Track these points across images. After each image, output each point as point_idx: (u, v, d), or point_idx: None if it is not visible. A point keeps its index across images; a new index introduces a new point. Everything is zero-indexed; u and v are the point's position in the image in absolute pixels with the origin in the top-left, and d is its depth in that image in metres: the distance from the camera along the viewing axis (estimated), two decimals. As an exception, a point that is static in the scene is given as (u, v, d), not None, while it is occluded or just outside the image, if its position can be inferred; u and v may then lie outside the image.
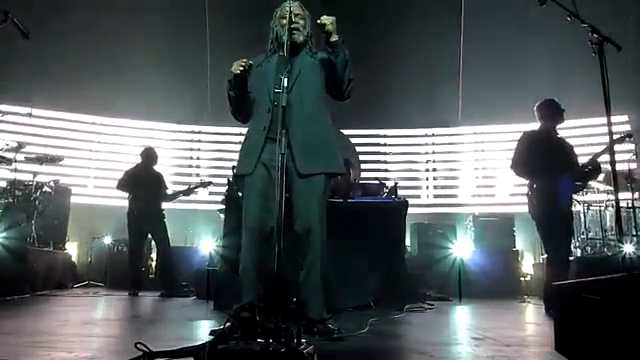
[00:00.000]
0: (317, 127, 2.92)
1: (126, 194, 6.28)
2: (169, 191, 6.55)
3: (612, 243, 5.94)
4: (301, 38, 2.96)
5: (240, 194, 4.60)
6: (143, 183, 6.18)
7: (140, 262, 6.40)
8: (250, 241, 2.84)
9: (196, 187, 6.62)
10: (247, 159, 2.90)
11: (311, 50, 3.01)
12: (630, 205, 5.92)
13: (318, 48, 3.01)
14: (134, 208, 6.10)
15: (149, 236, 6.43)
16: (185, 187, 6.73)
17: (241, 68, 2.78)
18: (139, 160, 6.48)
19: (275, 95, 2.77)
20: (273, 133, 2.68)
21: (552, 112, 4.50)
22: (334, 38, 2.78)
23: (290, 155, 2.74)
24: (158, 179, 6.43)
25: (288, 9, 2.78)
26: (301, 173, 2.80)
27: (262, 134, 2.82)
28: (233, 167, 4.97)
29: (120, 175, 6.43)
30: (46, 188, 6.48)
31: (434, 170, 8.94)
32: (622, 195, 5.74)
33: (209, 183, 6.70)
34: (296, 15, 2.92)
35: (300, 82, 2.87)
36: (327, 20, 2.74)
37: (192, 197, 7.06)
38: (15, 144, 6.00)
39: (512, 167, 4.54)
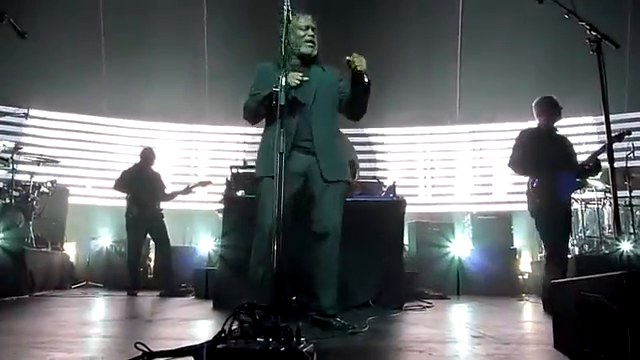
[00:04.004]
0: (335, 137, 3.13)
1: (124, 194, 6.27)
2: (167, 191, 6.55)
3: (610, 241, 5.95)
4: (315, 52, 3.11)
5: (241, 192, 4.64)
6: (141, 183, 6.17)
7: (139, 262, 6.39)
8: (263, 240, 2.88)
9: (195, 186, 6.61)
10: (271, 162, 2.86)
11: (320, 63, 3.15)
12: (628, 203, 5.93)
13: (327, 64, 3.17)
14: (132, 208, 6.09)
15: (147, 236, 6.42)
16: (184, 187, 6.72)
17: (297, 81, 2.84)
18: (137, 160, 6.47)
19: (300, 106, 2.93)
20: (298, 140, 2.93)
21: (549, 109, 4.50)
22: (366, 80, 2.91)
23: (315, 160, 2.99)
24: (156, 179, 6.43)
25: (303, 20, 2.99)
26: (327, 179, 2.98)
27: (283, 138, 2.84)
28: (231, 167, 4.98)
29: (117, 175, 6.41)
30: (44, 189, 6.46)
31: (432, 169, 8.94)
32: (620, 193, 5.74)
33: (208, 182, 6.70)
34: (313, 29, 3.09)
35: (319, 94, 3.03)
36: (360, 63, 2.82)
37: (190, 197, 7.05)
38: (12, 145, 5.98)
39: (510, 165, 4.53)
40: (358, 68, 2.82)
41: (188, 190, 6.59)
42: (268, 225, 2.80)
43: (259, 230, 2.94)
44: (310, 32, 3.07)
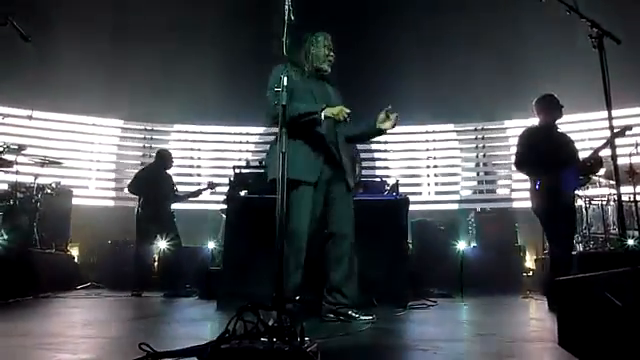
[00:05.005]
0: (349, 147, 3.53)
1: (135, 195, 6.28)
2: (177, 192, 6.58)
3: (614, 238, 5.92)
4: (330, 69, 3.45)
5: (244, 192, 4.65)
6: (155, 185, 6.18)
7: (147, 263, 6.40)
8: (300, 244, 3.15)
9: (204, 189, 6.65)
10: (306, 168, 3.19)
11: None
12: (632, 199, 5.90)
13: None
14: (145, 209, 6.09)
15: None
16: (195, 189, 6.79)
17: (344, 117, 3.14)
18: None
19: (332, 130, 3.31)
20: (332, 150, 3.30)
21: (550, 107, 4.48)
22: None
23: (341, 168, 3.33)
24: (169, 180, 6.45)
25: (329, 42, 3.41)
26: (350, 187, 3.39)
27: (319, 150, 3.26)
28: (234, 167, 4.99)
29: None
30: (48, 190, 6.48)
31: (435, 167, 8.94)
32: (624, 189, 5.72)
33: (217, 185, 6.74)
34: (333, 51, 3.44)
35: (334, 105, 3.31)
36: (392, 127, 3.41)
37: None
38: (16, 147, 5.99)
39: (517, 165, 4.51)
40: (387, 129, 3.34)
41: (198, 192, 6.64)
42: (304, 232, 3.14)
43: (295, 235, 3.12)
44: (332, 53, 3.43)
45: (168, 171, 6.59)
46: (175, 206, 6.73)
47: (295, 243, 3.13)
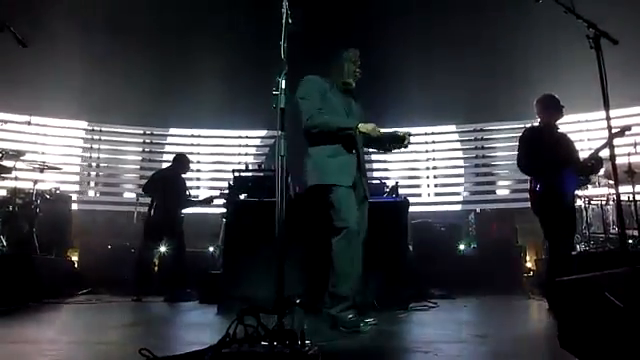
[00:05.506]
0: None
1: (149, 197, 6.28)
2: (190, 197, 6.59)
3: (614, 237, 5.92)
4: (354, 84, 3.61)
5: (243, 196, 4.65)
6: (169, 188, 6.17)
7: (150, 267, 6.39)
8: (355, 239, 3.26)
9: (217, 197, 6.66)
10: (343, 174, 3.34)
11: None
12: (631, 199, 5.90)
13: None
14: (156, 213, 6.07)
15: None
16: (206, 196, 6.81)
17: (376, 135, 3.33)
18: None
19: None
20: (359, 158, 3.47)
21: (550, 107, 4.49)
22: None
23: (360, 176, 3.48)
24: (183, 185, 6.45)
25: (357, 57, 3.61)
26: (367, 197, 3.54)
27: (353, 158, 3.42)
28: (234, 170, 4.98)
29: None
30: (47, 195, 6.47)
31: (434, 168, 8.93)
32: (623, 189, 5.72)
33: (226, 192, 6.76)
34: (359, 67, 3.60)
35: (357, 117, 3.52)
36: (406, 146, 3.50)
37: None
38: (15, 152, 5.98)
39: (519, 166, 4.51)
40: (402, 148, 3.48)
41: (211, 199, 6.65)
42: (357, 229, 3.26)
43: (351, 233, 3.23)
44: (359, 69, 3.60)
45: (183, 175, 6.60)
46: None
47: (353, 242, 3.24)
